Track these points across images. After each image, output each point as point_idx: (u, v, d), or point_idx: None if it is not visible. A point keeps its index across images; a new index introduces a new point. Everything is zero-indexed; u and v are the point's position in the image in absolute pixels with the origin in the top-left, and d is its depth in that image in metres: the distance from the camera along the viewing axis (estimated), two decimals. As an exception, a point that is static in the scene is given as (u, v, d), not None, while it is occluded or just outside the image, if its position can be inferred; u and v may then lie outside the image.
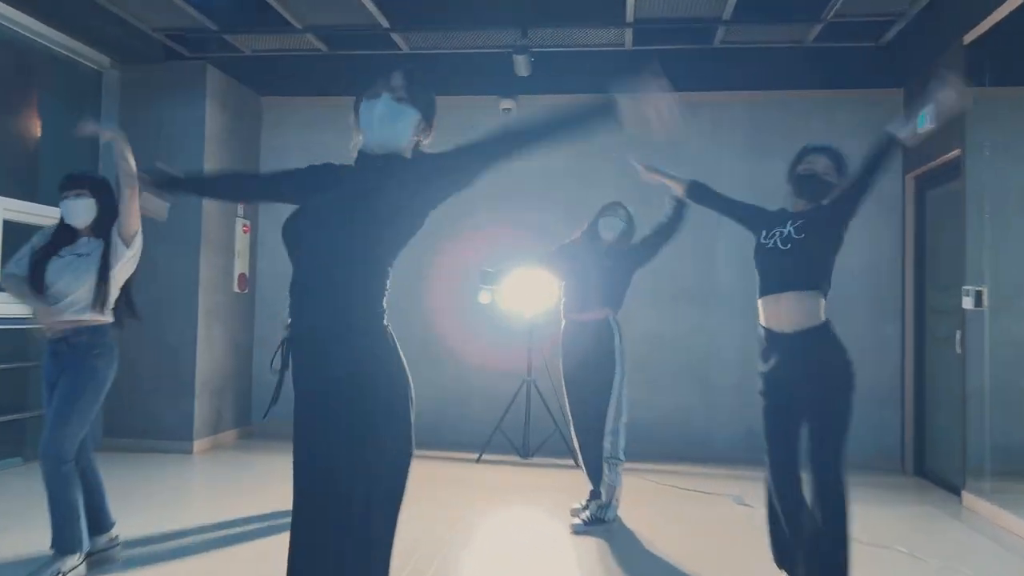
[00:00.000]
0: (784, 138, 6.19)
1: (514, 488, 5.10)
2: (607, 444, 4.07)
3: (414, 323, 6.44)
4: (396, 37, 5.48)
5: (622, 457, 4.12)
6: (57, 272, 3.19)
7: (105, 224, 3.25)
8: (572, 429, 4.41)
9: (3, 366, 5.25)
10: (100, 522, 3.33)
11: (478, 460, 5.86)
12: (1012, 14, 4.35)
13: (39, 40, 5.32)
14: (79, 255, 3.22)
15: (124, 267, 3.26)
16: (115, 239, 3.22)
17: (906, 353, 6.02)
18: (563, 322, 4.35)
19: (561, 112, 1.93)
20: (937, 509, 4.78)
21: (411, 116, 2.02)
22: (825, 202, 3.00)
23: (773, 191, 3.33)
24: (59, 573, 3.07)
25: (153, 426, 5.95)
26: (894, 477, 5.71)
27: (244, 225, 6.59)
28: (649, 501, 4.75)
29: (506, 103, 6.45)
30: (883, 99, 6.08)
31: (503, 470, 5.63)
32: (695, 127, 6.29)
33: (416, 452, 1.92)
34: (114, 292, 3.26)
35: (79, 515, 3.13)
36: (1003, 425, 4.59)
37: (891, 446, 6.00)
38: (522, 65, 5.58)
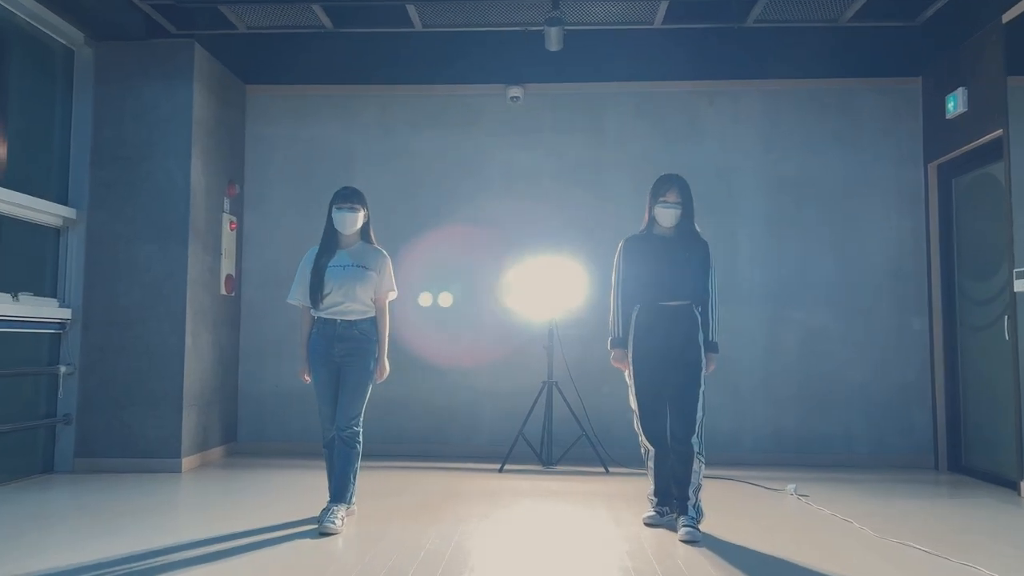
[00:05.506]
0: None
1: (542, 494, 4.67)
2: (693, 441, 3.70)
3: (427, 324, 6.02)
4: (411, 10, 5.04)
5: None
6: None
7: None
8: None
9: None
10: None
11: (501, 470, 5.41)
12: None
13: (3, 6, 4.71)
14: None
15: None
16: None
17: (935, 346, 5.84)
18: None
19: None
20: (997, 502, 4.56)
21: None
22: None
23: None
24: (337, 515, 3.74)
25: (133, 443, 5.32)
26: (927, 474, 5.51)
27: (231, 221, 6.03)
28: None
29: (514, 91, 6.11)
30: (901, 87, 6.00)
31: (527, 479, 5.19)
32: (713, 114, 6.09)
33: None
34: None
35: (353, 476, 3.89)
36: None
37: (922, 442, 5.80)
38: (554, 39, 5.20)
